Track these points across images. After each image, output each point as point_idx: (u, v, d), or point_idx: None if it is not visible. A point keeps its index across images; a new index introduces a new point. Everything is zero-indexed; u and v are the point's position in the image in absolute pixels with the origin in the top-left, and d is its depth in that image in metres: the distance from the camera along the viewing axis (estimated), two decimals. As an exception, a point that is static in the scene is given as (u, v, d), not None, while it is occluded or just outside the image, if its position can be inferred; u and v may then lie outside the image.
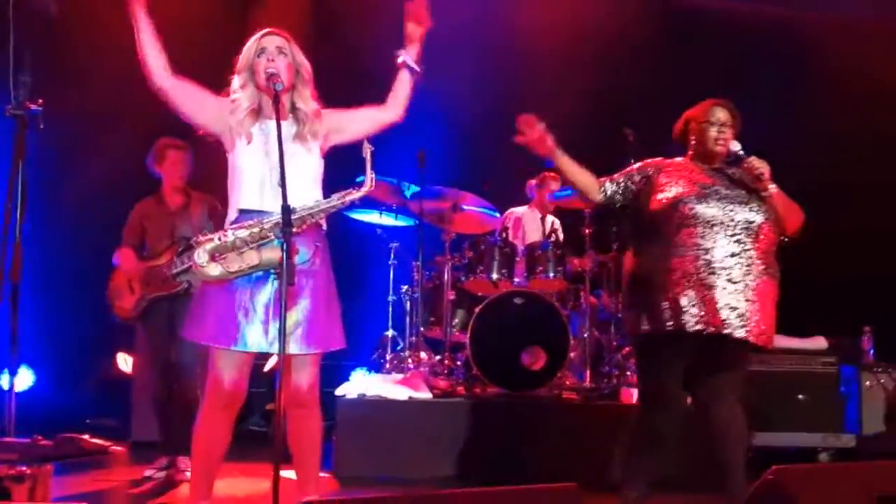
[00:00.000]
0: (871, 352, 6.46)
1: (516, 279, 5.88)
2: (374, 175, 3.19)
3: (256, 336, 3.17)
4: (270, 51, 3.24)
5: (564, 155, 3.72)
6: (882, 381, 6.11)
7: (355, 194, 3.19)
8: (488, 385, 5.47)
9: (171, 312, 4.80)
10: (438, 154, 6.18)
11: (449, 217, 5.99)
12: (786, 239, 3.68)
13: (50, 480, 4.11)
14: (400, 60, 3.53)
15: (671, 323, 3.46)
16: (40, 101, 3.37)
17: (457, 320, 5.94)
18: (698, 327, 3.44)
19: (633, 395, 5.46)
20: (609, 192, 3.74)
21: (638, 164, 3.81)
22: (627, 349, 5.91)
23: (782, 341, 6.11)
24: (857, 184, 6.90)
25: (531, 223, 6.69)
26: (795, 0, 7.62)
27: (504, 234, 6.13)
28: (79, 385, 6.86)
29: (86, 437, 5.64)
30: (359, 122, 3.45)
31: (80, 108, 6.44)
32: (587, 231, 6.04)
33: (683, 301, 3.44)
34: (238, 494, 4.53)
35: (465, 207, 6.02)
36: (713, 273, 3.46)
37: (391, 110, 3.50)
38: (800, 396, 5.94)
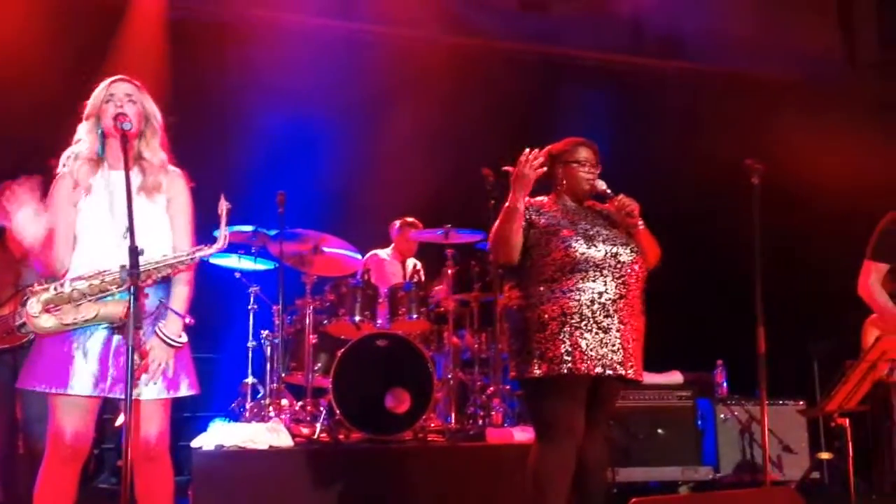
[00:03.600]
0: (725, 385, 6.69)
1: (379, 321, 5.80)
2: (227, 232, 3.10)
3: (96, 380, 3.03)
4: (119, 97, 3.16)
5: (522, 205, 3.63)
6: (736, 413, 6.32)
7: (206, 251, 3.11)
8: (352, 430, 5.34)
9: (14, 365, 4.48)
10: (299, 196, 6.07)
11: (310, 259, 5.87)
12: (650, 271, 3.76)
13: None
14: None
15: (570, 366, 3.48)
16: None
17: (319, 364, 5.80)
18: (598, 370, 3.49)
19: (500, 435, 5.45)
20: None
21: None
22: (492, 389, 5.91)
23: (641, 377, 6.27)
24: (710, 221, 7.23)
25: (392, 265, 6.66)
26: (648, 51, 8.03)
27: (366, 276, 6.06)
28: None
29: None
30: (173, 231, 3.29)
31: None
32: (450, 271, 6.03)
33: (583, 344, 3.49)
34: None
35: (325, 250, 5.92)
36: (608, 316, 3.53)
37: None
38: (659, 431, 6.08)
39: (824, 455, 5.99)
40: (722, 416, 6.34)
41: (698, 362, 6.75)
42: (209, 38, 6.98)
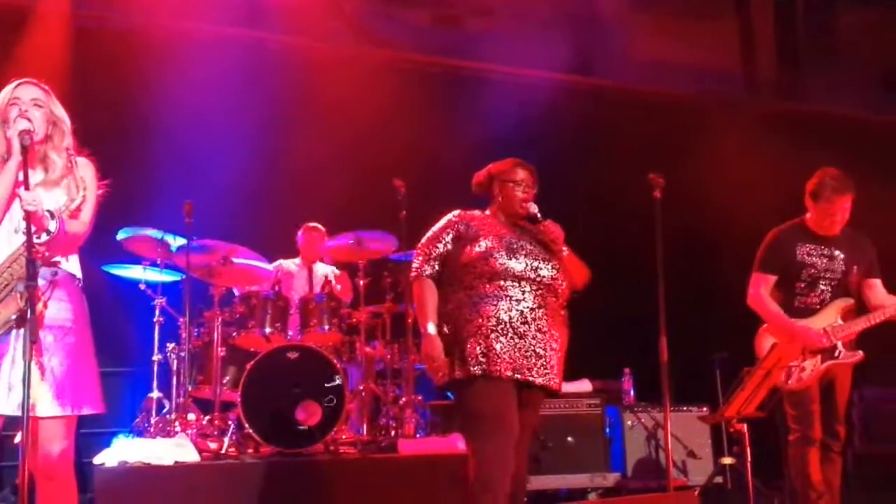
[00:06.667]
0: (632, 392, 6.83)
1: (290, 333, 5.75)
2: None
3: (2, 397, 2.95)
4: (24, 101, 3.13)
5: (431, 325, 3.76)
6: (642, 419, 6.46)
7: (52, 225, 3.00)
8: (262, 444, 5.26)
9: None
10: (207, 206, 5.97)
11: (218, 270, 5.77)
12: (576, 292, 3.94)
13: None
14: None
15: (485, 367, 3.59)
16: None
17: (228, 378, 5.70)
18: (508, 373, 3.60)
19: (412, 446, 5.44)
20: (436, 275, 3.84)
21: (443, 223, 3.91)
22: (405, 400, 5.91)
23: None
24: (616, 233, 7.38)
25: (300, 275, 6.60)
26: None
27: (277, 288, 5.99)
28: None
29: None
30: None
31: None
32: (361, 282, 6.02)
33: (497, 347, 3.60)
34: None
35: (235, 260, 5.82)
36: (525, 323, 3.66)
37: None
38: (569, 438, 6.17)
39: (727, 460, 6.17)
40: (629, 422, 6.47)
41: (606, 370, 6.88)
42: (115, 45, 6.83)
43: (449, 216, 3.95)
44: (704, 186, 7.38)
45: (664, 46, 8.40)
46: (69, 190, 3.16)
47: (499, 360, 3.59)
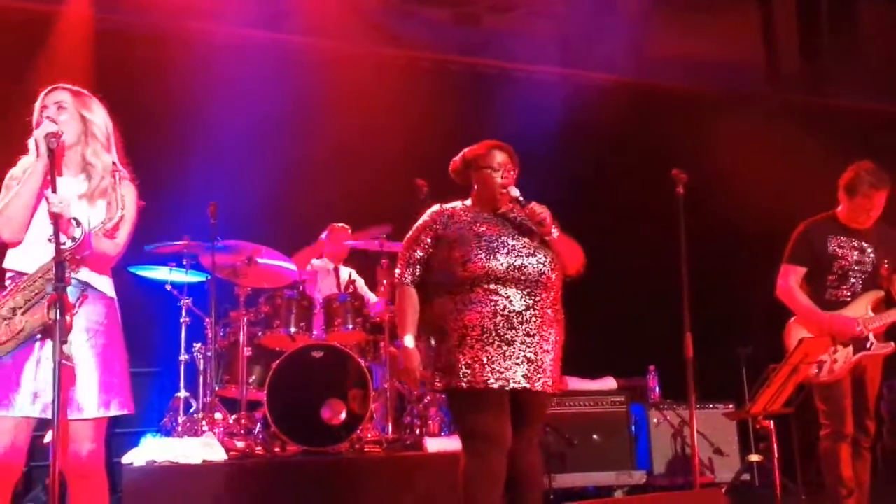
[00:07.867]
0: (657, 390, 6.81)
1: (315, 332, 5.77)
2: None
3: (34, 399, 2.99)
4: (50, 107, 3.19)
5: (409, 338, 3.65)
6: (668, 417, 6.43)
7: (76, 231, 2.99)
8: (288, 443, 5.30)
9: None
10: (232, 207, 6.00)
11: (243, 271, 5.80)
12: (569, 277, 3.73)
13: None
14: None
15: (470, 378, 3.44)
16: None
17: (254, 377, 5.74)
18: (500, 383, 3.43)
19: (437, 444, 5.45)
20: (418, 280, 3.68)
21: (421, 224, 3.72)
22: (429, 398, 5.92)
23: (575, 383, 6.34)
24: (641, 230, 7.35)
25: (325, 275, 6.62)
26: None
27: (301, 287, 6.02)
28: None
29: None
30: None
31: None
32: (385, 280, 6.03)
33: (484, 358, 3.43)
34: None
35: (260, 261, 5.86)
36: (512, 328, 3.46)
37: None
38: (594, 436, 6.15)
39: (754, 457, 6.12)
40: (655, 420, 6.44)
41: (631, 368, 6.86)
42: (138, 48, 6.88)
43: (428, 214, 3.74)
44: (728, 181, 7.33)
45: (685, 41, 8.36)
46: (110, 208, 3.19)
47: (485, 372, 3.41)
